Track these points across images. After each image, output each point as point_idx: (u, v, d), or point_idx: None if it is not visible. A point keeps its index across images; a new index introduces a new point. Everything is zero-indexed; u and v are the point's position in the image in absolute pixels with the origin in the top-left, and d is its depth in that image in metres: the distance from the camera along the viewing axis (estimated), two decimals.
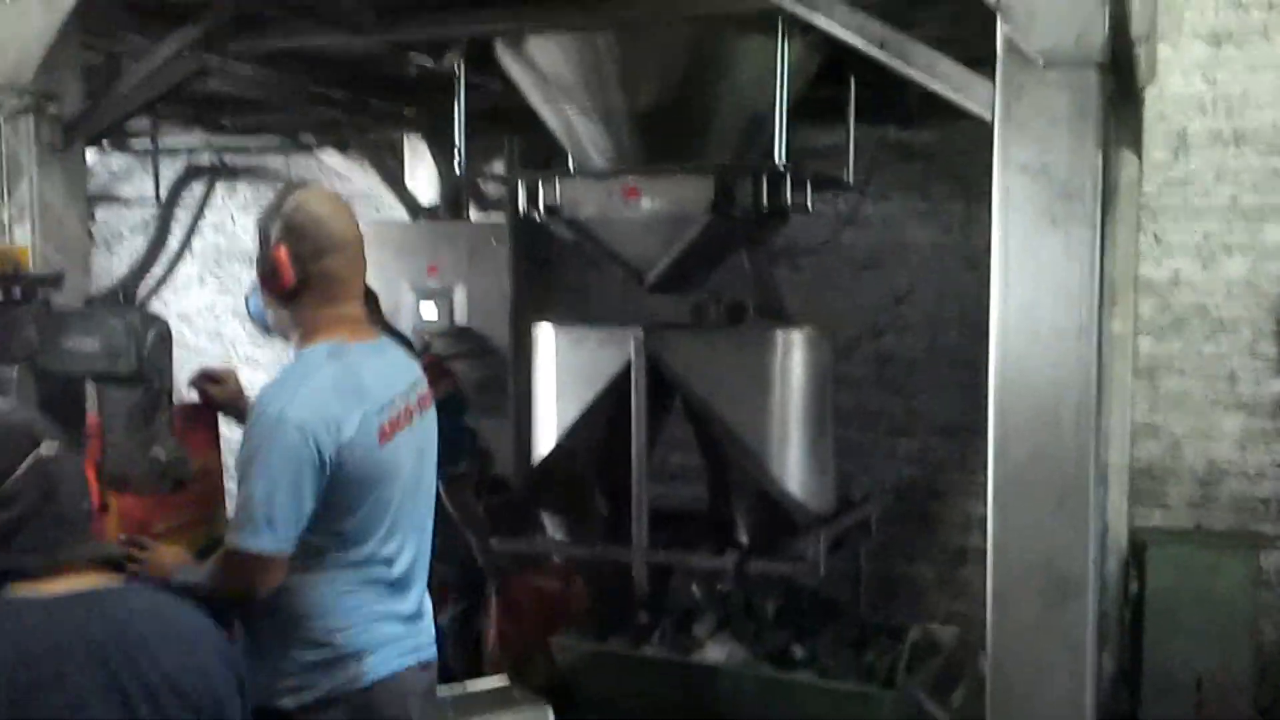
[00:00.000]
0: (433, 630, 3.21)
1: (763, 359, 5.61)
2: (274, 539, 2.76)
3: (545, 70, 5.68)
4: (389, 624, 3.00)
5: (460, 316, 7.76)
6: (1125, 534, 6.83)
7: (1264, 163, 6.81)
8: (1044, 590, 3.64)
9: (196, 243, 9.26)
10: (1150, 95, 6.92)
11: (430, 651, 3.16)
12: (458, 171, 5.95)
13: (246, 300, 3.49)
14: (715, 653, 4.69)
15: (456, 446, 5.36)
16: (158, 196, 8.22)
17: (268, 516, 2.74)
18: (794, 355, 5.65)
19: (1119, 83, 6.34)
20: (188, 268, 9.32)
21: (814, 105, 6.59)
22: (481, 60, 5.93)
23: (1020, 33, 3.65)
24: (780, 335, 5.66)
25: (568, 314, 7.58)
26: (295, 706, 2.90)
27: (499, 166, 8.03)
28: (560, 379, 5.89)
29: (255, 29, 5.46)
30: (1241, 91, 6.85)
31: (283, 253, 2.88)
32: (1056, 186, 3.61)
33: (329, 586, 2.91)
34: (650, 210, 5.63)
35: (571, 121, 5.83)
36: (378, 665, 2.96)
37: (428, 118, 7.66)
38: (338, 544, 2.90)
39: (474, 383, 5.22)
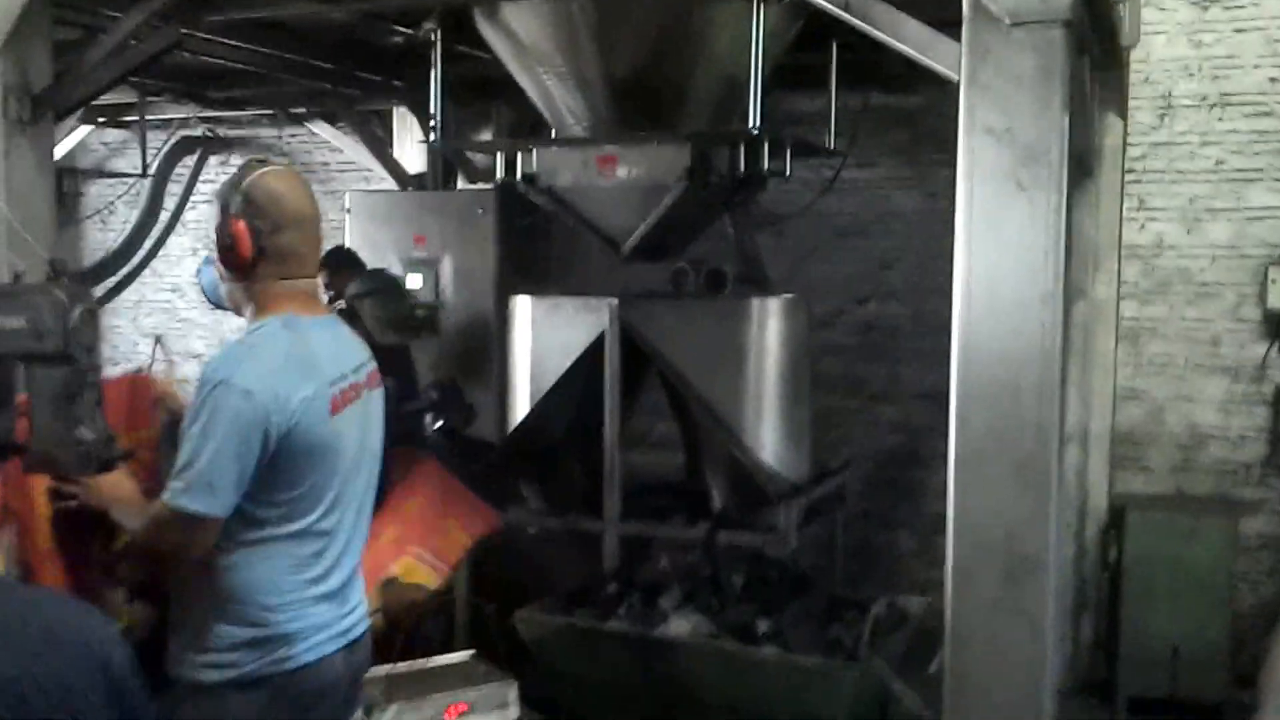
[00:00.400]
0: (363, 611, 3.12)
1: (737, 328, 5.42)
2: (211, 502, 2.70)
3: (521, 38, 5.48)
4: (320, 607, 2.91)
5: (447, 286, 7.58)
6: (1105, 500, 6.65)
7: (1249, 126, 6.60)
8: (1004, 565, 3.46)
9: (190, 214, 9.07)
10: (1135, 58, 6.69)
11: (359, 632, 3.07)
12: (434, 141, 5.76)
13: (198, 273, 3.39)
14: (679, 626, 4.50)
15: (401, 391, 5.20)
16: (145, 170, 8.03)
17: (208, 479, 2.68)
18: (769, 324, 5.46)
19: (1101, 45, 6.11)
20: (181, 239, 9.14)
21: (797, 71, 6.39)
22: (463, 29, 5.74)
23: None
24: (755, 304, 5.47)
25: (555, 283, 7.40)
26: (218, 681, 2.82)
27: (488, 135, 7.83)
28: (536, 349, 5.72)
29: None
30: (1227, 54, 6.64)
31: (241, 226, 2.83)
32: (1020, 150, 3.41)
33: (266, 564, 2.83)
34: (626, 179, 5.45)
35: (549, 90, 5.63)
36: (306, 650, 2.87)
37: (414, 88, 7.45)
38: (277, 516, 2.81)
39: (387, 320, 4.98)
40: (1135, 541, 6.20)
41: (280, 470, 2.77)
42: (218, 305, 3.22)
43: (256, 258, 2.86)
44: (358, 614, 3.07)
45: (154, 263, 9.07)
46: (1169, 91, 6.72)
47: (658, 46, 5.32)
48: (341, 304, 5.65)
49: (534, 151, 5.62)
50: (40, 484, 3.18)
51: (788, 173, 5.77)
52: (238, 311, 3.02)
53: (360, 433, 3.02)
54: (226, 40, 6.07)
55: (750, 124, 5.05)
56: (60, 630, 1.87)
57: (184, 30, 5.41)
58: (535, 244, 7.65)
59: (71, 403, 2.83)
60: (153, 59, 5.47)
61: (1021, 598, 3.47)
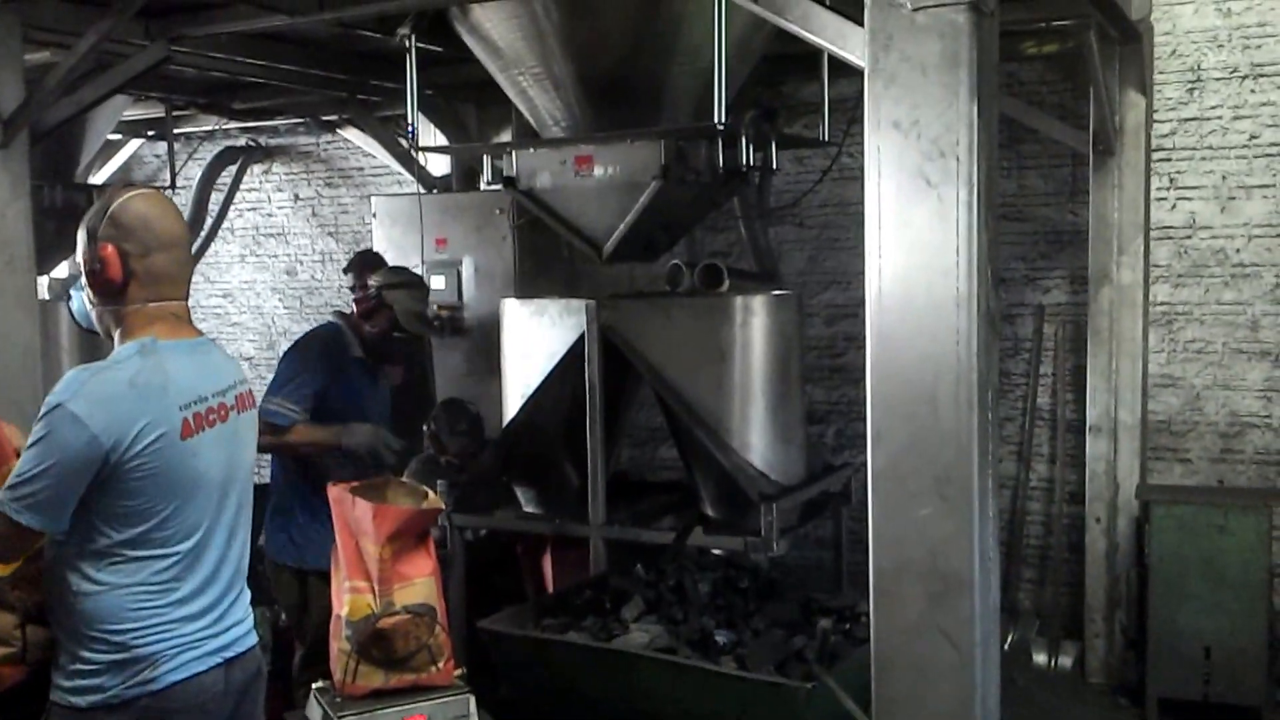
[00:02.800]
0: (248, 627, 3.03)
1: (718, 327, 5.15)
2: (34, 517, 2.68)
3: (494, 40, 5.29)
4: (186, 626, 2.84)
5: (468, 288, 7.46)
6: (1136, 493, 6.24)
7: None
8: (927, 586, 3.18)
9: (237, 222, 9.08)
10: (1161, 30, 6.27)
11: (241, 647, 2.98)
12: (409, 146, 5.60)
13: (68, 298, 3.31)
14: (637, 638, 4.26)
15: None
16: (173, 183, 8.02)
17: (31, 494, 2.67)
18: (753, 322, 5.18)
19: (1113, 20, 5.71)
20: (230, 246, 9.15)
21: (805, 60, 6.08)
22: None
23: None
24: (738, 302, 5.19)
25: (576, 281, 7.22)
26: (86, 706, 2.78)
27: (509, 136, 7.66)
28: (524, 351, 5.54)
29: (191, 14, 5.17)
30: (1258, 22, 6.19)
31: (110, 250, 2.80)
32: (927, 144, 3.11)
33: (122, 589, 2.77)
34: (603, 178, 5.22)
35: (527, 91, 5.43)
36: (172, 669, 2.81)
37: (430, 92, 7.31)
38: (129, 540, 2.76)
39: (415, 314, 4.93)
40: (1161, 537, 5.81)
41: (124, 494, 2.72)
42: (89, 330, 3.14)
43: (126, 281, 2.82)
44: (237, 631, 2.99)
45: (206, 270, 9.11)
46: (1198, 64, 6.27)
47: (628, 44, 5.08)
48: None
49: (513, 153, 5.42)
50: None
51: (774, 166, 5.50)
52: (107, 336, 2.95)
53: (226, 454, 2.94)
54: (223, 55, 5.98)
55: (716, 119, 4.76)
56: None
57: (174, 47, 5.35)
58: (555, 243, 7.47)
59: None
60: (141, 75, 5.42)
61: (947, 619, 3.18)
